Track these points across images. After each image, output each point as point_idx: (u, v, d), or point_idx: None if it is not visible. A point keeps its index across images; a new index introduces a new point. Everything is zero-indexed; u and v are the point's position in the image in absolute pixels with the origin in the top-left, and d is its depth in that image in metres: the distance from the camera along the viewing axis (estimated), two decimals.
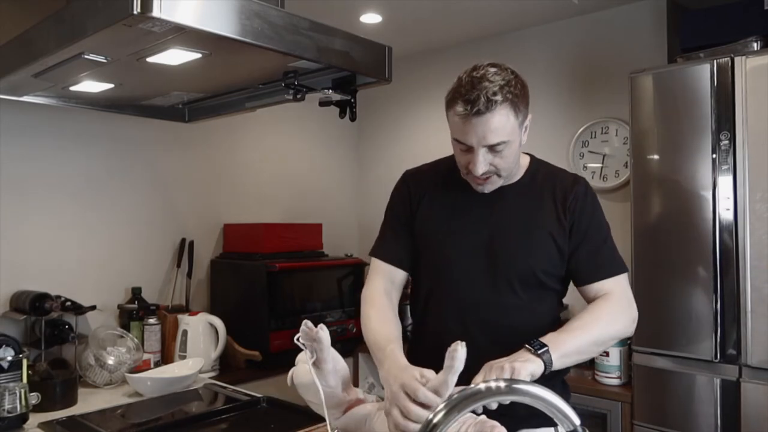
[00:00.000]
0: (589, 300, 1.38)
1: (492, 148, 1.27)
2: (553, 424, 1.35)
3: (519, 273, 1.36)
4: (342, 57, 1.52)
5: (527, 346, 1.21)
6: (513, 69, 1.31)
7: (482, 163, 1.28)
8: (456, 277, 1.41)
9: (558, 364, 1.20)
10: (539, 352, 1.18)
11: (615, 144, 2.63)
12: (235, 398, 1.86)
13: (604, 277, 1.36)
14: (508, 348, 1.23)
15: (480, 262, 1.38)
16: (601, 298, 1.35)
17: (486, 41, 3.03)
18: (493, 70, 1.27)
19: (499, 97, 1.23)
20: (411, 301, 1.56)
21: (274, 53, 1.38)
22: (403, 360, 1.21)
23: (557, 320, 1.43)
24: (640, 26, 2.56)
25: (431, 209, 1.46)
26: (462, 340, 1.33)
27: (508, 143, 1.27)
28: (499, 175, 1.34)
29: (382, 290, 1.43)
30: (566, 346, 1.23)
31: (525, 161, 1.46)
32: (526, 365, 1.15)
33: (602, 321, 1.32)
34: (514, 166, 1.37)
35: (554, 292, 1.42)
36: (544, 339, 1.22)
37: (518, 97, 1.26)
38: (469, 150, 1.29)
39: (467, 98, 1.24)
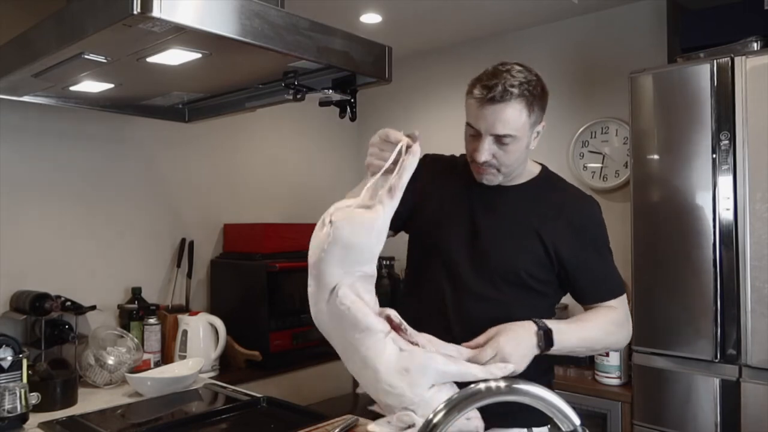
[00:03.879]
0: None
1: (498, 139, 1.31)
2: (527, 425, 1.39)
3: (501, 270, 1.39)
4: (342, 57, 1.52)
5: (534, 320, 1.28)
6: (539, 75, 1.35)
7: (486, 151, 1.32)
8: (440, 261, 1.44)
9: (557, 347, 1.28)
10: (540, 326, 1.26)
11: (615, 144, 2.63)
12: (235, 398, 1.86)
13: (608, 299, 1.41)
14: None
15: (465, 252, 1.41)
16: (608, 308, 1.41)
17: (486, 41, 3.03)
18: (518, 67, 1.32)
19: (515, 90, 1.27)
20: (405, 275, 1.60)
21: (274, 53, 1.38)
22: None
23: None
24: (640, 26, 2.56)
25: (433, 193, 1.50)
26: (439, 326, 1.34)
27: (515, 138, 1.31)
28: (498, 170, 1.36)
29: None
30: (572, 339, 1.31)
31: (535, 168, 1.48)
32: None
33: (606, 327, 1.39)
34: (517, 166, 1.39)
35: (541, 295, 1.42)
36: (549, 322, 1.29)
37: (535, 97, 1.30)
38: (477, 136, 1.33)
39: (486, 84, 1.28)
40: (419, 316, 1.45)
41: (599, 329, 1.37)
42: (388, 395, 1.09)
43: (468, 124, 1.35)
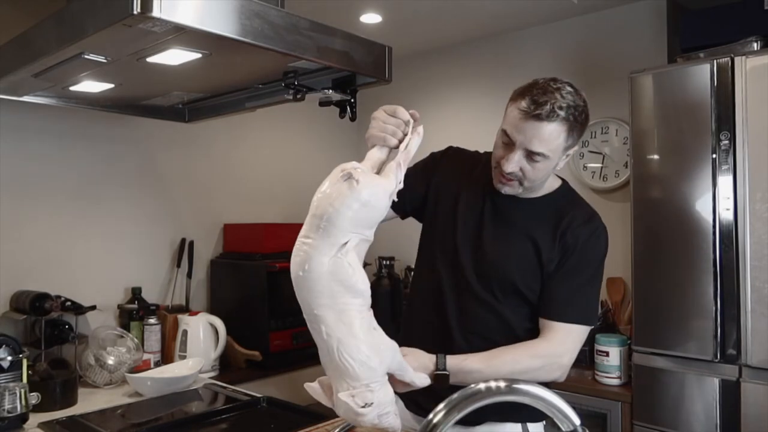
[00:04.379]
0: (540, 327, 1.39)
1: (530, 155, 1.30)
2: (522, 421, 1.39)
3: (500, 279, 1.39)
4: (342, 57, 1.52)
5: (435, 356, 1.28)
6: (586, 99, 1.33)
7: (515, 163, 1.31)
8: (446, 259, 1.44)
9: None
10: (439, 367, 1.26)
11: (615, 144, 2.63)
12: (235, 398, 1.86)
13: (555, 319, 1.35)
14: (476, 341, 1.35)
15: (469, 254, 1.42)
16: (540, 340, 1.35)
17: (486, 41, 3.03)
18: (569, 88, 1.30)
19: (562, 113, 1.26)
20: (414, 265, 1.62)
21: (274, 53, 1.38)
22: None
23: (531, 332, 1.42)
24: (640, 26, 2.56)
25: (450, 189, 1.49)
26: (438, 326, 1.41)
27: (546, 158, 1.30)
28: (521, 183, 1.36)
29: None
30: (471, 374, 1.28)
31: (555, 183, 1.47)
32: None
33: (520, 366, 1.32)
34: (540, 182, 1.39)
35: (534, 305, 1.41)
36: (451, 360, 1.28)
37: (577, 123, 1.30)
38: (510, 145, 1.32)
39: (536, 99, 1.27)
40: (417, 308, 1.51)
41: (513, 365, 1.31)
42: (363, 366, 1.07)
43: (504, 131, 1.34)
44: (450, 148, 1.58)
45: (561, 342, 1.35)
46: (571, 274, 1.37)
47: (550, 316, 1.36)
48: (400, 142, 1.22)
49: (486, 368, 1.29)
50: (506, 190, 1.38)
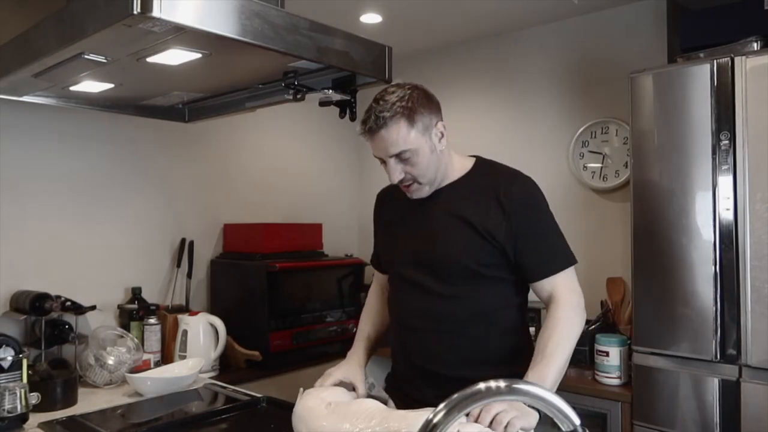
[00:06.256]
0: (539, 295, 1.45)
1: (399, 158, 1.40)
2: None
3: (449, 267, 1.43)
4: (342, 57, 1.52)
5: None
6: (417, 85, 1.43)
7: (395, 171, 1.42)
8: (400, 276, 1.53)
9: None
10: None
11: (615, 144, 2.63)
12: (235, 398, 1.86)
13: (547, 275, 1.42)
14: (447, 340, 1.42)
15: (414, 260, 1.49)
16: (554, 307, 1.40)
17: (486, 41, 3.03)
18: (391, 89, 1.41)
19: (387, 114, 1.36)
20: None
21: (274, 53, 1.38)
22: (352, 357, 1.58)
23: (509, 306, 1.48)
24: (640, 26, 2.56)
25: (388, 221, 1.63)
26: (407, 337, 1.51)
27: (413, 151, 1.39)
28: (419, 182, 1.44)
29: (374, 290, 1.74)
30: (550, 380, 1.31)
31: (467, 163, 1.53)
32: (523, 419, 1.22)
33: (569, 340, 1.38)
34: (434, 171, 1.45)
35: (499, 280, 1.45)
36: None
37: (411, 109, 1.37)
38: (384, 162, 1.43)
39: (363, 120, 1.40)
40: (394, 330, 1.59)
41: (564, 341, 1.36)
42: None
43: (374, 155, 1.45)
44: (377, 195, 1.71)
45: (569, 293, 1.41)
46: (534, 233, 1.42)
47: (543, 276, 1.42)
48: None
49: (551, 366, 1.32)
50: (416, 195, 1.47)
